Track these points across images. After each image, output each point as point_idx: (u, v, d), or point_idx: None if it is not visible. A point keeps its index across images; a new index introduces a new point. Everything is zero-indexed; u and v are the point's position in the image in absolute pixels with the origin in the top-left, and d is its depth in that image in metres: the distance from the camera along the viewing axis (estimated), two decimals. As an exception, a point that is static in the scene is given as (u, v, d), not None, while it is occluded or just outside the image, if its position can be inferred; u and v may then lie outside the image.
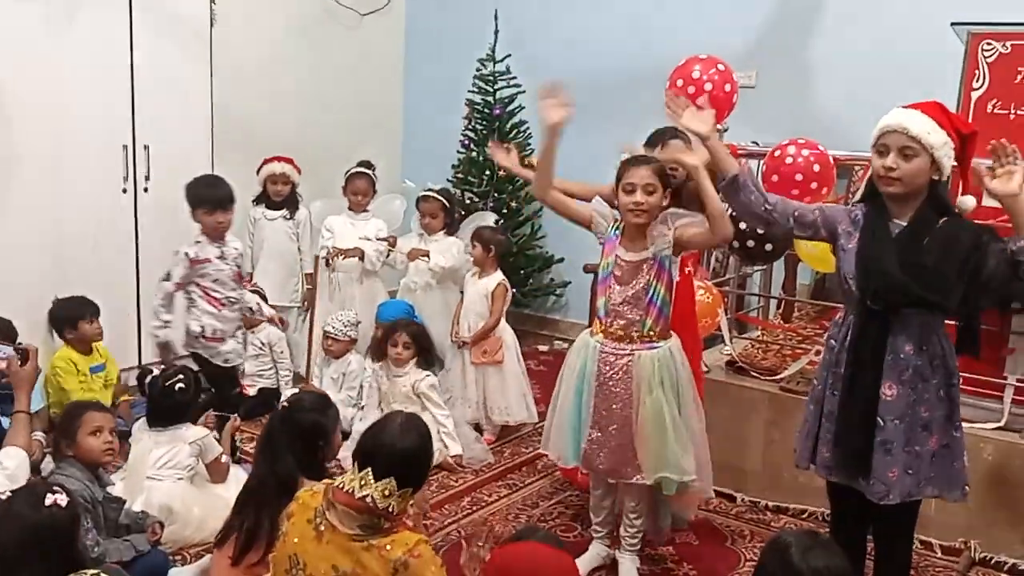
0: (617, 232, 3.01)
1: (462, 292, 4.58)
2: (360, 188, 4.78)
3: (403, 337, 4.04)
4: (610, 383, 2.98)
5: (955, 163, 2.48)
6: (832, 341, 2.64)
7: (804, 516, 3.59)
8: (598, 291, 3.12)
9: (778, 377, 3.75)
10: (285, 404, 2.79)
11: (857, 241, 2.51)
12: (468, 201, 5.64)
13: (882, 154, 2.44)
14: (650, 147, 3.28)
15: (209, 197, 3.72)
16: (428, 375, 4.08)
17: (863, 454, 2.49)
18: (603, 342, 3.01)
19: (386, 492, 2.14)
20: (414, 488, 2.23)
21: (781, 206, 2.65)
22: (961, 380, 2.58)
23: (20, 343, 3.07)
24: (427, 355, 4.11)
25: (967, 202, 2.94)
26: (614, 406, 2.97)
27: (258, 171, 4.91)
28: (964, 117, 2.54)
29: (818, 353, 3.60)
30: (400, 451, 2.19)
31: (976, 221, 2.63)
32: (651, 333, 2.97)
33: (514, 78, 5.57)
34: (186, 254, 3.69)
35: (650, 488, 3.04)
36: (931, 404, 2.49)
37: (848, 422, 2.53)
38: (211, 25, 4.68)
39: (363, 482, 2.15)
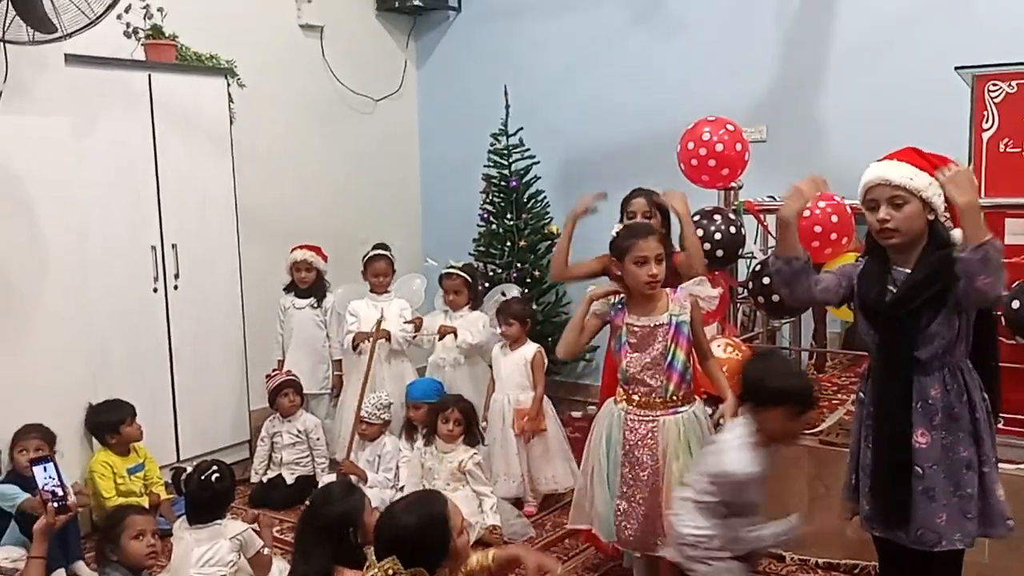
0: (622, 304, 3.04)
1: (490, 367, 4.59)
2: (380, 269, 4.85)
3: (455, 414, 4.06)
4: (636, 451, 2.98)
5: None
6: (861, 394, 2.63)
7: (856, 571, 3.51)
8: (616, 361, 3.13)
9: (817, 430, 3.71)
10: (308, 502, 2.80)
11: (858, 286, 2.55)
12: (491, 273, 5.69)
13: (873, 209, 2.45)
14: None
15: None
16: (475, 453, 4.09)
17: (902, 506, 2.46)
18: (627, 409, 3.02)
19: (389, 571, 2.13)
20: (429, 568, 2.21)
21: (819, 277, 2.67)
22: (1003, 421, 2.56)
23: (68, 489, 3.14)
24: (473, 432, 4.13)
25: (958, 235, 2.90)
26: (641, 474, 2.97)
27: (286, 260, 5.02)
28: (945, 157, 2.57)
29: (855, 403, 3.57)
30: (400, 527, 2.21)
31: None
32: (674, 398, 2.98)
33: (527, 149, 5.66)
34: None
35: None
36: (965, 442, 2.45)
37: (883, 475, 2.50)
38: (231, 123, 4.81)
39: (369, 563, 2.16)
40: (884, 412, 2.49)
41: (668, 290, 3.05)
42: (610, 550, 3.41)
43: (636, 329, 2.99)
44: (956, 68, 3.47)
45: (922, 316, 2.42)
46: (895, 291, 2.45)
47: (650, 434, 2.96)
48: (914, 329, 2.42)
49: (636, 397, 3.00)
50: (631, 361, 3.00)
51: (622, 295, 3.06)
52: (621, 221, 3.12)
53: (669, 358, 2.96)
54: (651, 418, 2.97)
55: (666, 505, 2.92)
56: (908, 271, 2.44)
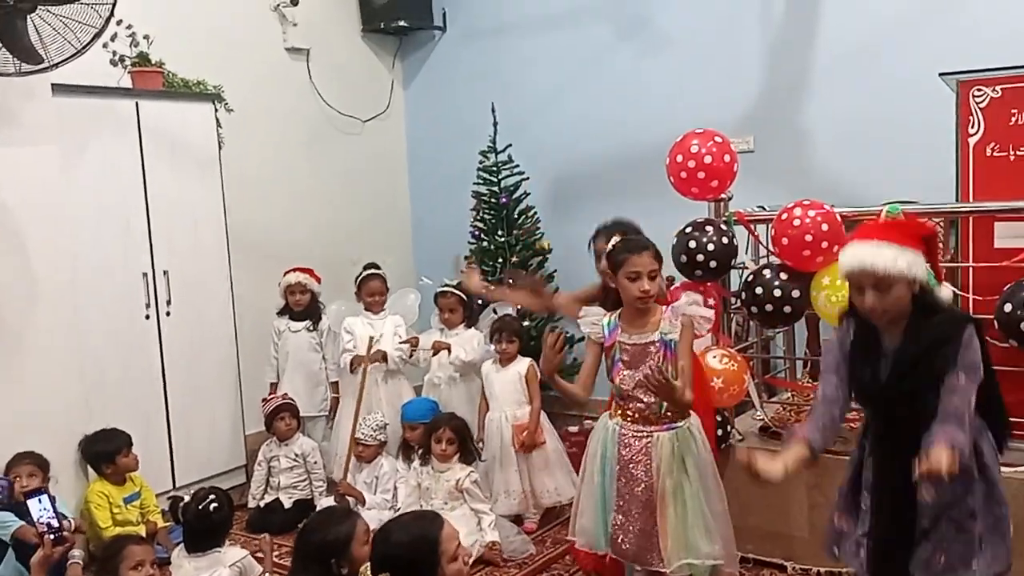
0: (615, 322, 3.05)
1: (482, 385, 4.59)
2: (375, 289, 4.85)
3: (447, 433, 4.05)
4: (631, 466, 2.99)
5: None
6: (864, 442, 2.59)
7: (858, 580, 3.50)
8: (611, 379, 3.12)
9: (813, 438, 3.70)
10: (300, 527, 2.80)
11: (849, 364, 2.48)
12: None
13: (860, 291, 2.38)
14: (604, 240, 3.32)
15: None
16: (472, 471, 4.08)
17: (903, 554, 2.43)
18: (622, 424, 3.03)
19: None
20: None
21: (835, 415, 2.56)
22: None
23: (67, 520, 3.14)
24: (468, 449, 4.12)
25: (946, 295, 2.80)
26: (636, 489, 2.98)
27: (280, 284, 5.00)
28: (920, 222, 2.57)
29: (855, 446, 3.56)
30: (392, 545, 2.26)
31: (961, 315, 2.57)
32: (668, 413, 2.98)
33: (517, 166, 5.67)
34: None
35: None
36: (973, 488, 2.40)
37: (883, 529, 2.47)
38: (219, 148, 4.81)
39: None
40: (886, 486, 2.45)
41: (663, 307, 3.05)
42: (591, 564, 3.38)
43: (628, 347, 3.00)
44: (941, 74, 3.50)
45: (919, 395, 2.35)
46: (888, 371, 2.40)
47: (644, 449, 2.96)
48: (912, 409, 2.36)
49: (630, 412, 3.00)
50: (624, 378, 3.01)
51: (615, 314, 3.06)
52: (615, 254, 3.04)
53: None
54: (645, 433, 2.97)
55: (660, 521, 2.92)
56: (896, 346, 2.40)
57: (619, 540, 3.01)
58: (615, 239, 3.11)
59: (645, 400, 2.97)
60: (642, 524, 2.96)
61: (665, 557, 2.92)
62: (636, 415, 3.00)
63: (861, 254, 2.35)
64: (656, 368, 2.84)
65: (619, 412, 3.05)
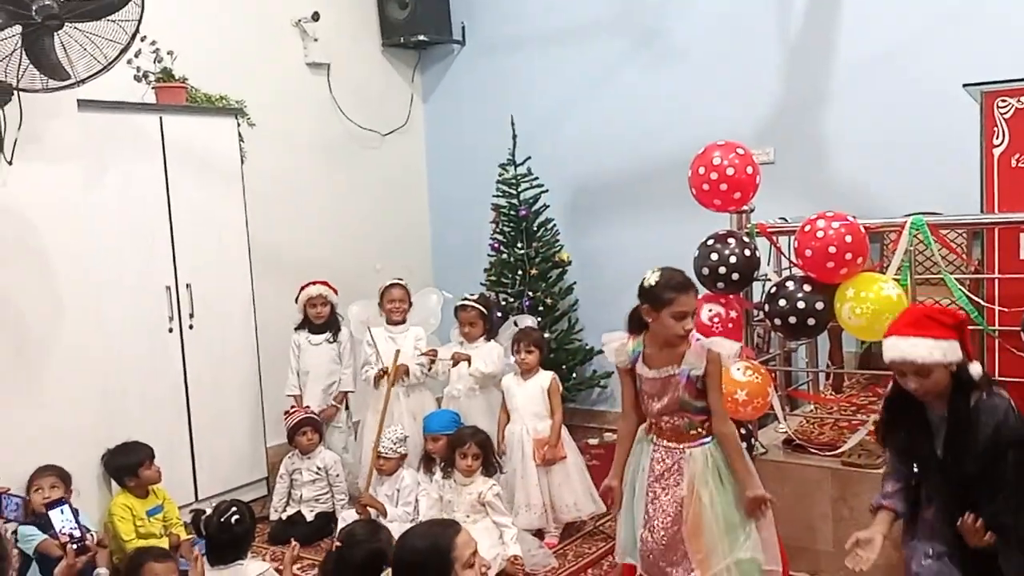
0: (639, 348, 3.06)
1: (503, 397, 4.58)
2: (396, 295, 4.85)
3: (472, 448, 4.04)
4: (663, 479, 3.03)
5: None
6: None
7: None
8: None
9: (838, 452, 3.68)
10: (338, 544, 2.80)
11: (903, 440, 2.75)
12: (504, 303, 5.70)
13: (902, 376, 2.64)
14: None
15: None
16: (494, 484, 4.07)
17: None
18: (655, 441, 3.08)
19: None
20: None
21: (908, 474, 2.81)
22: None
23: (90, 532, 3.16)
24: (491, 463, 4.12)
25: (976, 371, 2.86)
26: (666, 504, 3.00)
27: (296, 298, 5.00)
28: (951, 312, 2.83)
29: (875, 423, 3.55)
30: (408, 550, 2.30)
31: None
32: (698, 431, 3.04)
33: (536, 178, 5.69)
34: None
35: None
36: None
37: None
38: (241, 162, 4.85)
39: None
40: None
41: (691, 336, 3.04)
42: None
43: (649, 381, 3.06)
44: (964, 85, 3.48)
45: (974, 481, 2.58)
46: (942, 449, 2.65)
47: (676, 465, 3.02)
48: (969, 484, 2.59)
49: (663, 431, 3.06)
50: (651, 405, 3.08)
51: (638, 339, 3.09)
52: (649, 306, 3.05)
53: (682, 405, 3.03)
54: (679, 449, 3.03)
55: (691, 533, 2.94)
56: (942, 417, 2.64)
57: (647, 557, 3.05)
58: (654, 276, 3.01)
59: (673, 422, 3.03)
60: (668, 539, 2.98)
61: (703, 566, 2.94)
62: (668, 432, 3.06)
63: (901, 347, 2.62)
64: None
65: (654, 430, 3.11)
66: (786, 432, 3.91)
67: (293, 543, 3.70)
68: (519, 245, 5.64)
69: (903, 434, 2.75)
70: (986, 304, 3.44)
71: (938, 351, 2.56)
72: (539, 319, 5.35)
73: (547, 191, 5.69)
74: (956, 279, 3.50)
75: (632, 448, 3.17)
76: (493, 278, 5.83)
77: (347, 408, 5.09)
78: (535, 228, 5.71)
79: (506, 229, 5.74)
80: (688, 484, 2.97)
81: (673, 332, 2.97)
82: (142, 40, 4.28)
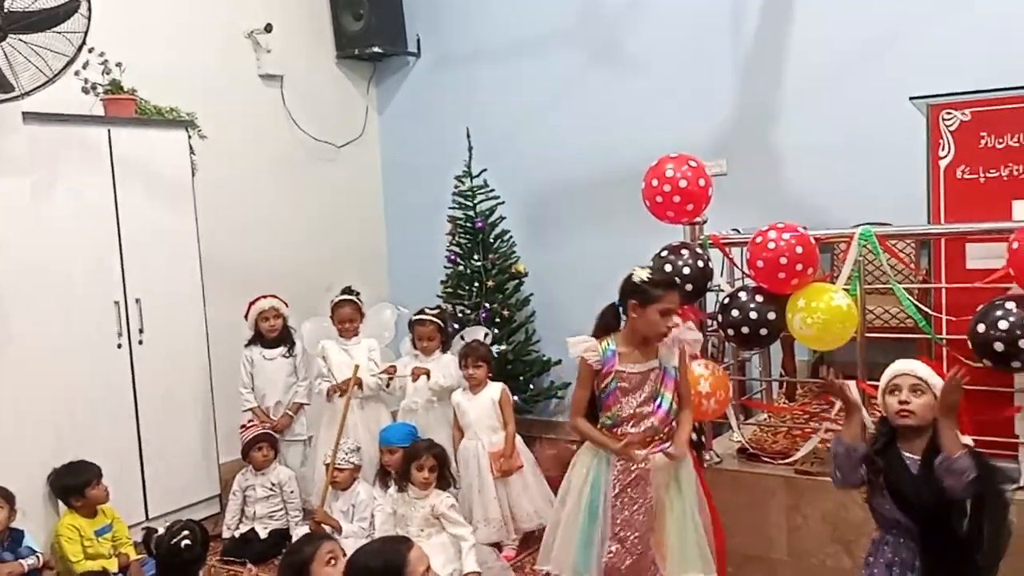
0: (612, 348, 3.06)
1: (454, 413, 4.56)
2: (346, 316, 4.83)
3: (428, 461, 4.02)
4: (628, 490, 3.02)
5: None
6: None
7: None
8: (603, 406, 3.13)
9: (791, 460, 3.72)
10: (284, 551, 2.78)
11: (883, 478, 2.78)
12: (460, 315, 5.68)
13: (894, 392, 2.76)
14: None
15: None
16: (447, 496, 4.05)
17: None
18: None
19: None
20: None
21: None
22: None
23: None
24: (445, 476, 4.10)
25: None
26: (634, 514, 2.99)
27: (246, 314, 4.94)
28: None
29: (828, 431, 3.59)
30: (360, 569, 2.31)
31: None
32: (660, 436, 3.06)
33: (492, 190, 5.68)
34: None
35: None
36: None
37: None
38: (192, 174, 4.78)
39: None
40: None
41: None
42: None
43: (628, 375, 3.08)
44: (911, 98, 3.55)
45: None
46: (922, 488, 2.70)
47: (641, 472, 3.04)
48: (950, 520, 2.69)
49: (623, 438, 3.04)
50: (622, 406, 3.07)
51: (610, 340, 3.10)
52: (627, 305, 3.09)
53: (658, 400, 3.07)
54: (641, 456, 3.04)
55: (663, 538, 3.01)
56: (917, 458, 2.71)
57: (615, 568, 3.03)
58: (645, 272, 3.10)
59: (644, 423, 3.05)
60: (643, 547, 3.01)
61: (665, 574, 2.99)
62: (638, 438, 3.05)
63: (906, 362, 2.82)
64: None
65: (611, 439, 3.08)
66: (740, 441, 3.94)
67: (249, 566, 3.66)
68: (475, 257, 5.63)
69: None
70: (933, 313, 3.49)
71: (934, 378, 2.74)
72: (496, 331, 5.34)
73: (503, 203, 5.68)
74: (904, 288, 3.56)
75: (581, 462, 3.16)
76: (450, 290, 5.81)
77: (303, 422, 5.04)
78: (491, 240, 5.70)
79: (462, 241, 5.72)
80: (655, 489, 3.01)
81: (656, 329, 3.03)
82: (90, 52, 4.21)
